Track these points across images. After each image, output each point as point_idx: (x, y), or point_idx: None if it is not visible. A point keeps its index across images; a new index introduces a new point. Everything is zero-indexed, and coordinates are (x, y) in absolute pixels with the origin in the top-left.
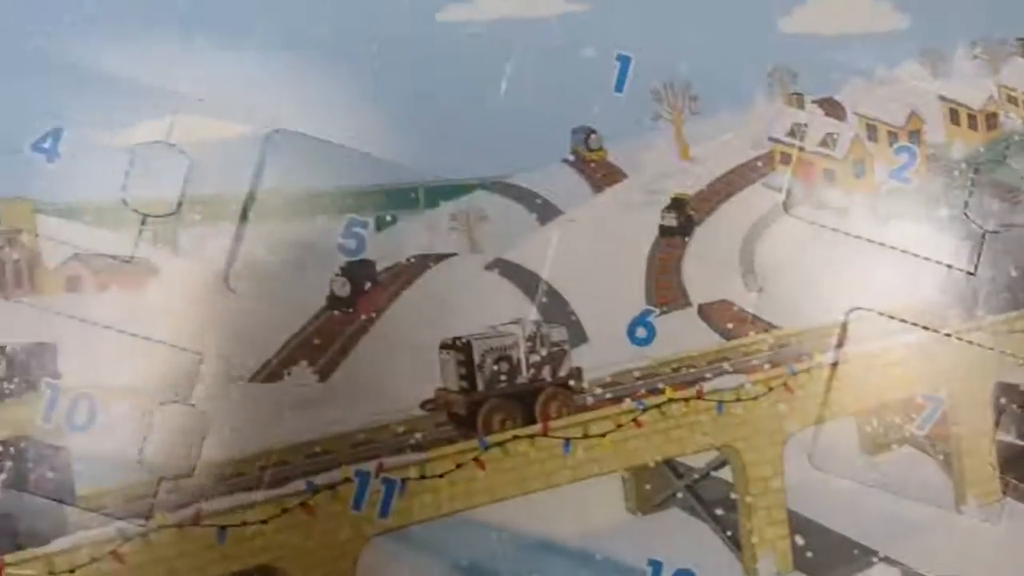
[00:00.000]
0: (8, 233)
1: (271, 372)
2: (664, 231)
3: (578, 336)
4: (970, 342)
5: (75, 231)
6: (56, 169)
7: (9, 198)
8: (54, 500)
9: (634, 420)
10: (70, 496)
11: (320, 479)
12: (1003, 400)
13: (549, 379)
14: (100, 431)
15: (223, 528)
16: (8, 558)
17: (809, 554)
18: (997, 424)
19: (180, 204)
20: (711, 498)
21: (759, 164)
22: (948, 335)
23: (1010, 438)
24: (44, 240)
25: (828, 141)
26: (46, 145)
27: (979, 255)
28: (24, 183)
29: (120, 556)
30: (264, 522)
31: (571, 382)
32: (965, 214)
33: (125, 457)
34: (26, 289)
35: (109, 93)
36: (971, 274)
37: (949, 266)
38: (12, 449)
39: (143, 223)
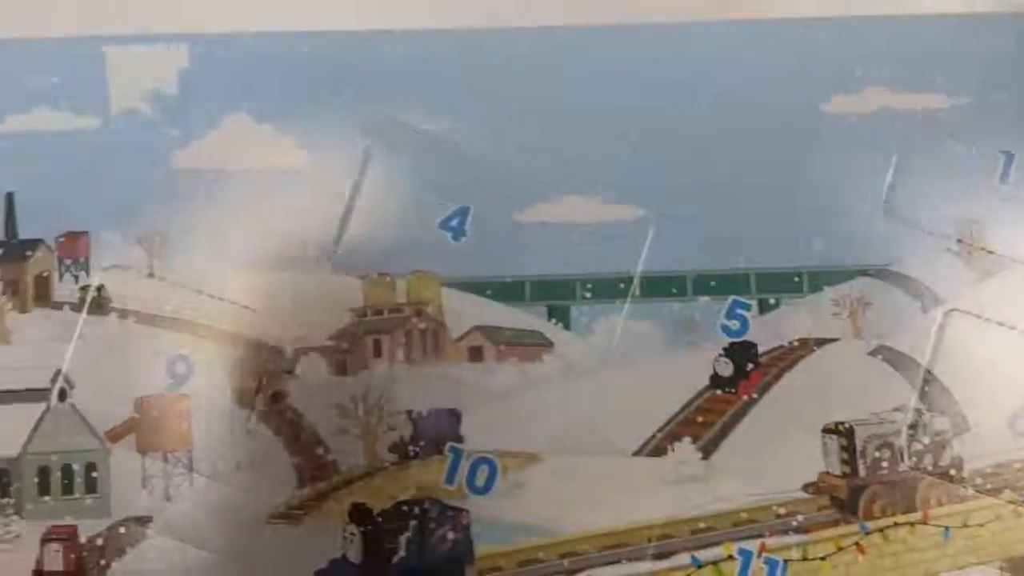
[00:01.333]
0: (416, 305)
1: (655, 447)
2: None
3: (960, 425)
4: None
5: (476, 304)
6: (461, 246)
7: (416, 272)
8: (453, 559)
9: (1015, 511)
10: (468, 556)
11: (704, 555)
12: None
13: (930, 467)
14: (499, 495)
15: None
16: None
17: None
18: None
19: (574, 283)
20: None
21: None
22: None
23: None
24: (448, 312)
25: None
26: (453, 223)
27: None
28: (431, 259)
29: None
30: None
31: (952, 471)
32: None
33: (522, 521)
34: (431, 357)
35: (510, 175)
36: None
37: None
38: (416, 509)
39: (540, 298)
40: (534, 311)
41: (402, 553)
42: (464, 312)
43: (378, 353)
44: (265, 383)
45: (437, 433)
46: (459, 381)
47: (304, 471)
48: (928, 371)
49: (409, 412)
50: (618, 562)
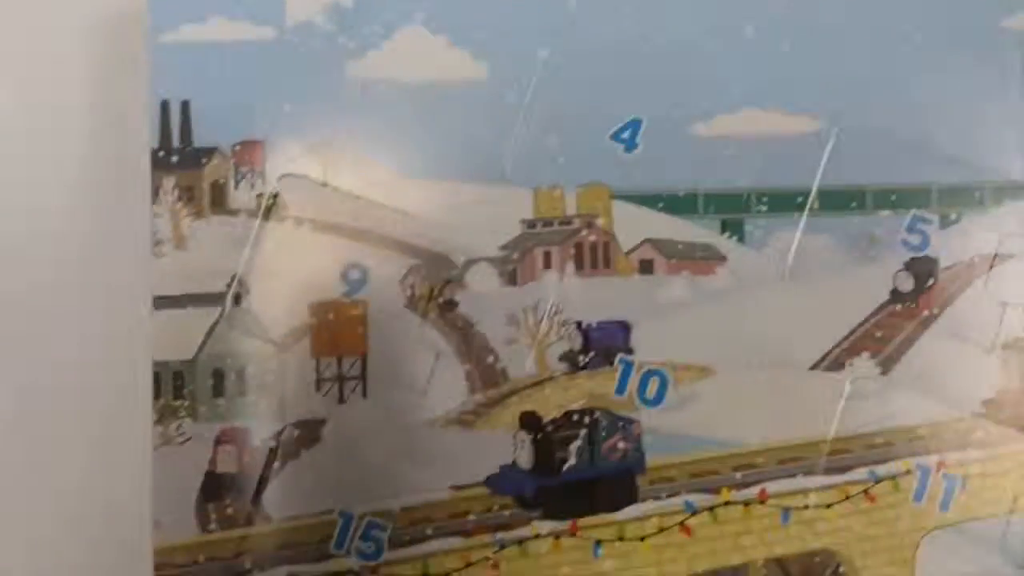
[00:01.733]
0: (587, 217)
1: (832, 362)
2: None
3: None
4: None
5: (648, 217)
6: (633, 158)
7: (587, 184)
8: (624, 469)
9: None
10: (639, 466)
11: (882, 469)
12: None
13: None
14: (670, 407)
15: (787, 509)
16: (581, 521)
17: None
18: None
19: (749, 196)
20: None
21: None
22: None
23: None
24: (619, 224)
25: None
26: (625, 135)
27: None
28: (602, 171)
29: (687, 528)
30: (828, 506)
31: None
32: None
33: (694, 433)
34: (601, 270)
35: (687, 87)
36: None
37: None
38: (587, 418)
39: (713, 212)
40: (707, 224)
41: (572, 461)
42: (635, 225)
43: (548, 264)
44: (437, 292)
45: (607, 344)
46: (629, 294)
47: (475, 379)
48: None
49: (579, 323)
50: (793, 476)
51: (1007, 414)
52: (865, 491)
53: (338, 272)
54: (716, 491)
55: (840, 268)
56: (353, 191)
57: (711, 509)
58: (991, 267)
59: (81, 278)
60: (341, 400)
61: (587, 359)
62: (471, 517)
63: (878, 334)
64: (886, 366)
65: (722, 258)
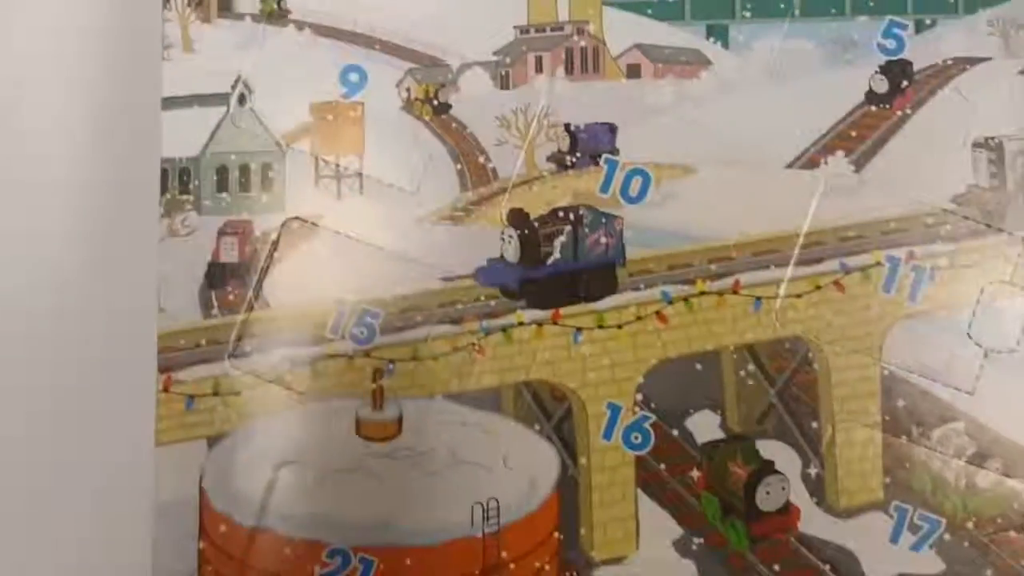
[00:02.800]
0: (577, 23)
1: (809, 160)
2: None
3: None
4: None
5: (636, 23)
6: None
7: None
8: (605, 262)
9: None
10: (620, 259)
11: (852, 261)
12: None
13: None
14: (652, 204)
15: (759, 299)
16: (563, 310)
17: None
18: None
19: (734, 2)
20: None
21: None
22: None
23: None
24: (608, 30)
25: None
26: None
27: None
28: None
29: (663, 316)
30: (798, 296)
31: None
32: None
33: (674, 228)
34: (590, 74)
35: None
36: None
37: None
38: (572, 215)
39: (699, 18)
40: (693, 30)
41: (557, 255)
42: (624, 30)
43: (539, 69)
44: (431, 95)
45: (594, 145)
46: (617, 97)
47: (466, 178)
48: None
49: (567, 125)
50: (766, 268)
51: (975, 209)
52: (835, 282)
53: (337, 74)
54: (692, 282)
55: (818, 72)
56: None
57: (686, 299)
58: (964, 70)
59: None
60: (339, 196)
61: (574, 159)
62: (459, 306)
63: (853, 134)
64: (859, 164)
65: (707, 62)
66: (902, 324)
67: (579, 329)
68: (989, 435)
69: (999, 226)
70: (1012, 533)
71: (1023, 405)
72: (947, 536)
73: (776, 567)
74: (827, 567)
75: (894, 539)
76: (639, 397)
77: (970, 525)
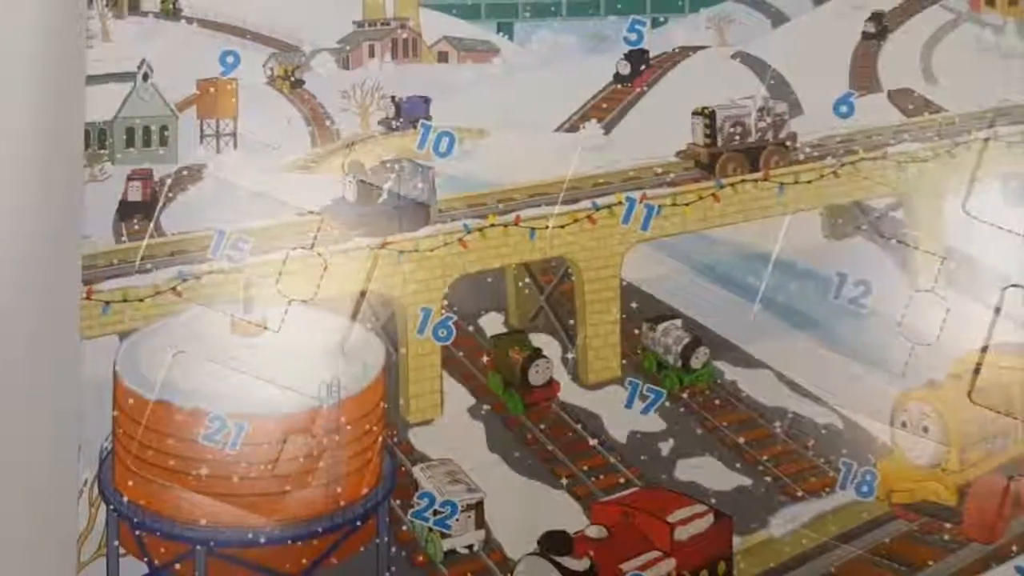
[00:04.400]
0: (400, 19)
1: (571, 125)
2: (865, 36)
3: (796, 110)
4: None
5: (445, 20)
6: None
7: None
8: (422, 202)
9: (833, 172)
10: (433, 199)
11: (601, 201)
12: None
13: (771, 140)
14: (456, 158)
15: (534, 229)
16: (391, 237)
17: (960, 276)
18: None
19: (517, 5)
20: (888, 231)
21: None
22: None
23: None
24: (424, 26)
25: None
26: None
27: None
28: None
29: (464, 243)
30: (562, 227)
31: (787, 142)
32: None
33: (472, 176)
34: (410, 59)
35: None
36: None
37: None
38: (396, 165)
39: (492, 17)
40: (487, 26)
41: (384, 196)
42: (435, 25)
43: (372, 54)
44: (289, 73)
45: (413, 113)
46: (430, 76)
47: (316, 137)
48: (773, 69)
49: (393, 97)
50: (539, 206)
51: (692, 162)
52: (588, 216)
53: (217, 58)
54: (484, 217)
55: (578, 58)
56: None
57: (481, 230)
58: (688, 56)
59: (34, 66)
60: (218, 151)
61: (398, 123)
62: (310, 235)
63: (604, 105)
64: (608, 128)
65: (497, 51)
66: (635, 247)
67: (402, 252)
68: (699, 328)
69: (710, 174)
70: (716, 401)
71: (726, 306)
72: (667, 403)
73: (542, 426)
74: (579, 426)
75: (628, 405)
76: (445, 303)
77: (684, 395)
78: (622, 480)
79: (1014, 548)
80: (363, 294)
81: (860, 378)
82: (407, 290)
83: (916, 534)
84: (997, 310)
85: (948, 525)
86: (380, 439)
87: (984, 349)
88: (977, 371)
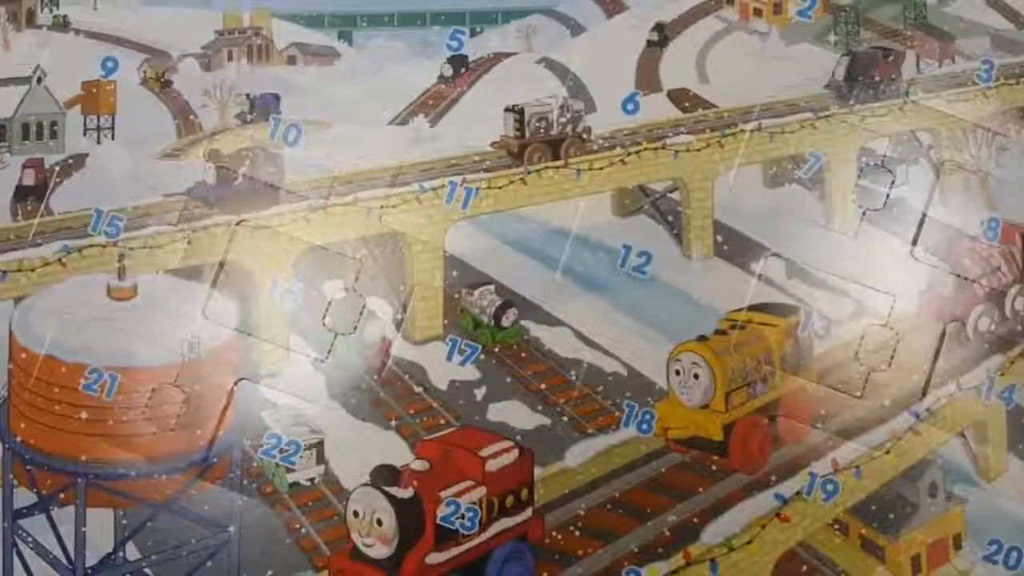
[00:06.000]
0: (255, 28)
1: (402, 119)
2: (649, 44)
3: (591, 107)
4: (843, 121)
5: (293, 29)
6: None
7: (258, 8)
8: (272, 185)
9: (621, 160)
10: (282, 183)
11: (428, 184)
12: (865, 159)
13: (571, 133)
14: (302, 147)
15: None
16: (249, 215)
17: (726, 247)
18: (862, 175)
19: (356, 17)
20: (666, 209)
21: (713, 3)
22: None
23: (868, 183)
24: (276, 33)
25: None
26: None
27: (850, 68)
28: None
29: (308, 219)
30: (394, 206)
31: (584, 135)
32: (846, 42)
33: (316, 163)
34: (264, 62)
35: None
36: (842, 82)
37: (833, 73)
38: (250, 153)
39: (334, 26)
40: (329, 33)
41: (240, 180)
42: (286, 33)
43: (231, 58)
44: (160, 75)
45: (265, 108)
46: (280, 77)
47: (182, 129)
48: (572, 72)
49: (248, 95)
50: (376, 188)
51: (504, 153)
52: (417, 198)
53: (99, 63)
54: (327, 198)
55: (408, 62)
56: (111, 12)
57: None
58: (500, 61)
59: None
60: (99, 142)
61: (252, 117)
62: (175, 213)
63: (430, 102)
64: (434, 122)
65: (338, 55)
66: (457, 224)
67: (255, 228)
68: (509, 293)
69: (519, 162)
70: (523, 354)
71: (532, 273)
72: (482, 356)
73: (375, 376)
74: (407, 376)
75: (448, 358)
76: (292, 270)
77: (496, 350)
78: (442, 421)
79: (773, 478)
80: (221, 264)
81: (642, 333)
82: (259, 261)
83: (688, 465)
84: (759, 276)
85: (716, 458)
86: (235, 389)
87: (746, 309)
88: (740, 327)
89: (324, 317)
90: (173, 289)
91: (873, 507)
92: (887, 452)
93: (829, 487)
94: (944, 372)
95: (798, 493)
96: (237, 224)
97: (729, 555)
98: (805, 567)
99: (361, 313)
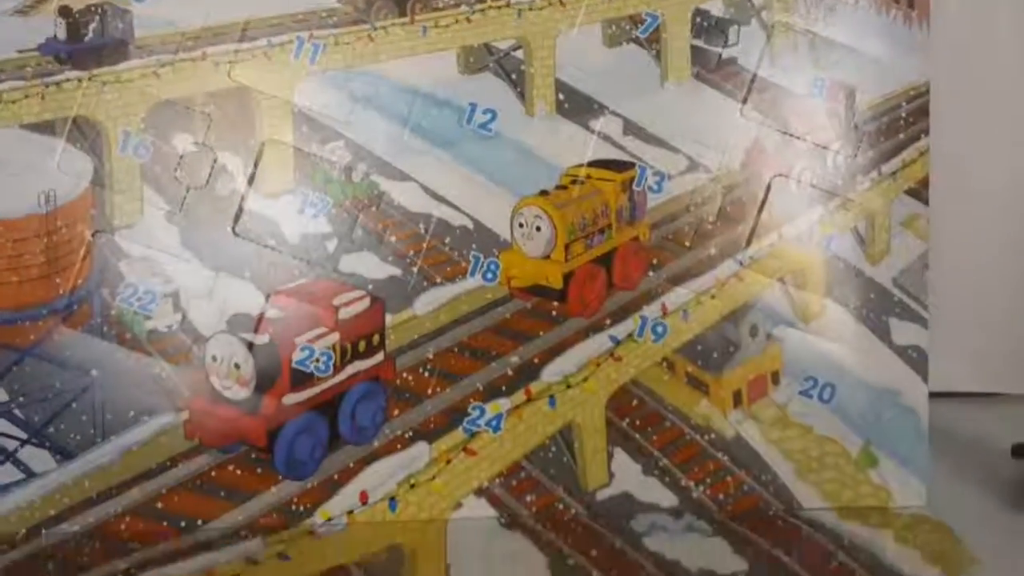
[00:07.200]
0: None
1: None
2: None
3: None
4: None
5: None
6: None
7: None
8: (122, 40)
9: (467, 18)
10: (131, 38)
11: (276, 39)
12: (699, 19)
13: None
14: (151, 4)
15: (218, 63)
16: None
17: (567, 105)
18: (696, 35)
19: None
20: (510, 68)
21: None
22: None
23: (702, 43)
24: None
25: None
26: None
27: None
28: None
29: (157, 74)
30: (243, 62)
31: None
32: None
33: (165, 18)
34: None
35: None
36: None
37: None
38: (99, 9)
39: None
40: None
41: (90, 35)
42: None
43: None
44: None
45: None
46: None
47: None
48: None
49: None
50: (223, 43)
51: (351, 9)
52: (265, 53)
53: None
54: (175, 53)
55: None
56: None
57: (172, 64)
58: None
59: None
60: None
61: None
62: (28, 69)
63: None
64: None
65: None
66: (305, 79)
67: (105, 83)
68: (359, 148)
69: (365, 18)
70: (373, 208)
71: (381, 129)
72: (333, 211)
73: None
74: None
75: (300, 211)
76: (142, 126)
77: (347, 203)
78: (296, 272)
79: (608, 321)
80: (74, 120)
81: (487, 188)
82: (111, 115)
83: (530, 311)
84: (597, 133)
85: (556, 304)
86: (92, 240)
87: (586, 165)
88: (580, 183)
89: (176, 170)
90: (26, 143)
91: (699, 347)
92: (713, 297)
93: (659, 329)
94: (768, 223)
95: (630, 335)
96: (88, 79)
97: (567, 391)
98: (636, 401)
99: (212, 166)
